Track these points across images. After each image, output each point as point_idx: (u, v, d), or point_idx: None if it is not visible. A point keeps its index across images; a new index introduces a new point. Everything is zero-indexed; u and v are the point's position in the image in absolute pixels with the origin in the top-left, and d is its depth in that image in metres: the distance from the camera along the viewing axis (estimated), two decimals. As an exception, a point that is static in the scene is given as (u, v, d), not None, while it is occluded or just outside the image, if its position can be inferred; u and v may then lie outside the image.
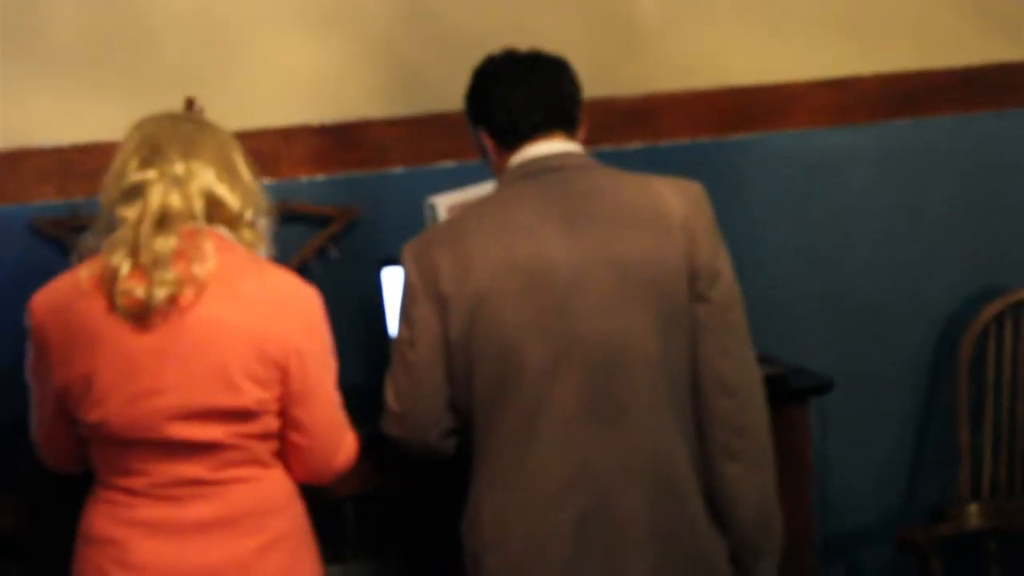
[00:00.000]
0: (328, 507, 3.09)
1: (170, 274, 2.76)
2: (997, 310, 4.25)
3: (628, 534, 2.99)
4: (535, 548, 2.98)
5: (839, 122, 4.30)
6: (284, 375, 2.85)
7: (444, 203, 3.63)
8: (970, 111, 4.38)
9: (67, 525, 2.93)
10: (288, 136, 3.83)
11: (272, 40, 3.85)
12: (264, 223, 2.95)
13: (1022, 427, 4.26)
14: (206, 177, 2.85)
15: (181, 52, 3.77)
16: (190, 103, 3.48)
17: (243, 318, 2.81)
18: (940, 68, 4.35)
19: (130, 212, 2.80)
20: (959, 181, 4.39)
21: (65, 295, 2.82)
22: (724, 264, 3.05)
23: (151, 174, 2.82)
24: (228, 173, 2.88)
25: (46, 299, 2.85)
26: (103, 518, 2.84)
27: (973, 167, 4.40)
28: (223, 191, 2.86)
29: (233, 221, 2.88)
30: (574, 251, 2.97)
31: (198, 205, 2.83)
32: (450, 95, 3.42)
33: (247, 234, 2.90)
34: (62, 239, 3.66)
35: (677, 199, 3.04)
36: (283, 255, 3.07)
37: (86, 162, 3.69)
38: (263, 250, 2.94)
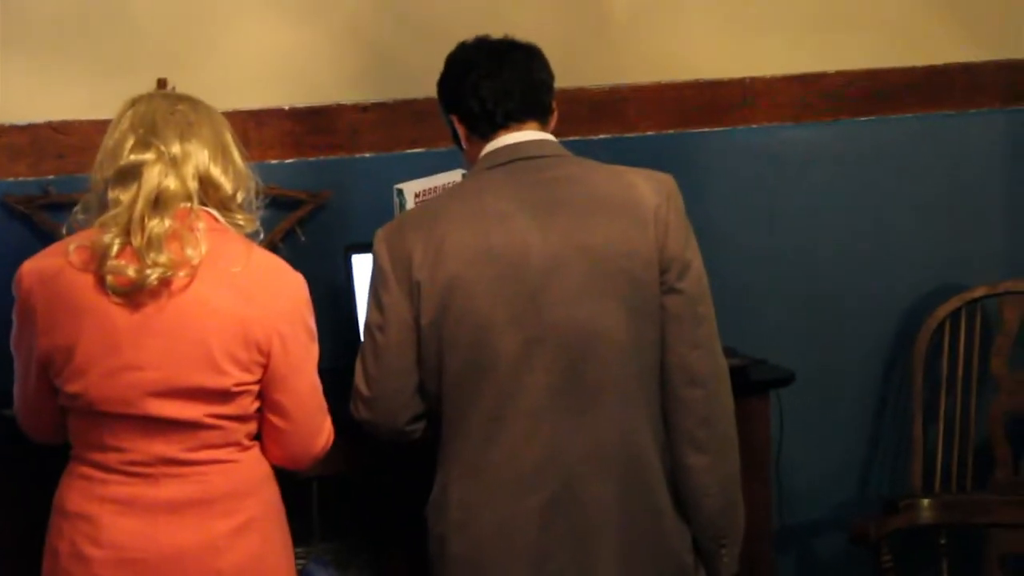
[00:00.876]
0: (294, 489, 3.10)
1: (163, 256, 2.78)
2: (953, 307, 4.30)
3: (595, 521, 3.02)
4: (502, 533, 3.01)
5: (803, 118, 4.34)
6: (266, 358, 2.87)
7: (412, 190, 3.66)
8: (932, 110, 4.43)
9: (41, 501, 2.94)
10: (259, 119, 3.84)
11: (246, 23, 3.86)
12: (256, 205, 2.97)
13: (974, 423, 4.32)
14: (201, 159, 2.86)
15: (155, 33, 3.77)
16: (162, 84, 3.48)
17: (229, 300, 2.83)
18: (904, 67, 4.40)
19: (125, 195, 2.81)
20: (920, 179, 4.44)
21: (55, 266, 2.83)
22: (694, 255, 3.08)
23: (148, 155, 2.83)
24: (222, 155, 2.90)
25: (35, 267, 2.86)
26: (76, 493, 2.85)
27: (934, 166, 4.45)
28: (217, 173, 2.88)
29: (226, 203, 2.90)
30: (547, 239, 3.00)
31: (193, 186, 2.84)
32: (421, 82, 3.45)
33: (239, 217, 2.92)
34: (33, 216, 3.66)
35: (649, 190, 3.07)
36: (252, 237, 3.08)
37: (59, 140, 3.70)
38: (255, 233, 2.96)
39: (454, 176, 3.67)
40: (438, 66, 3.19)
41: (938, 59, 4.43)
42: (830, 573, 4.47)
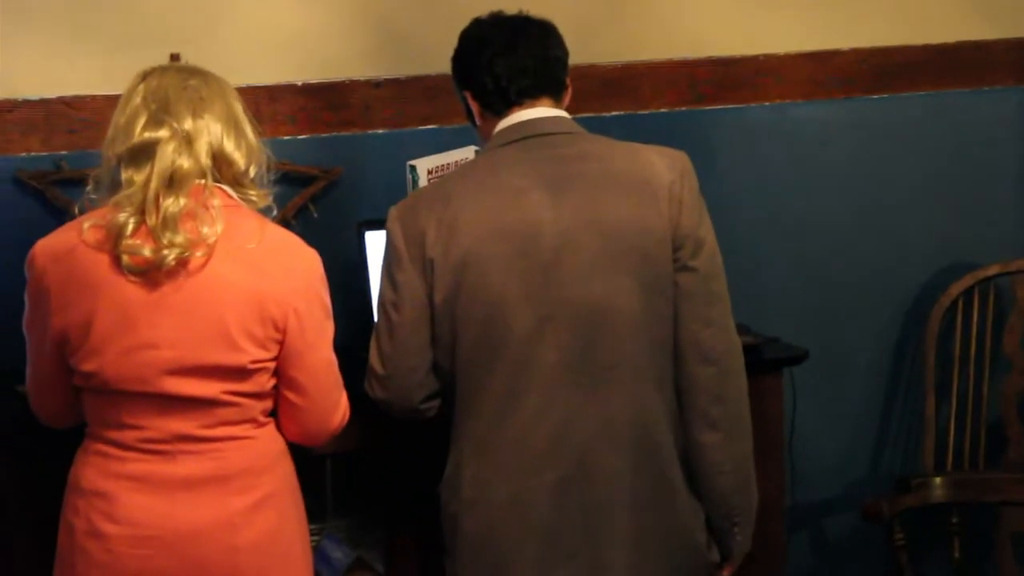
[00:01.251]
0: (308, 465, 3.10)
1: (179, 236, 2.76)
2: (966, 285, 4.30)
3: (607, 497, 3.02)
4: (515, 510, 3.01)
5: (816, 95, 4.33)
6: (282, 335, 2.86)
7: (425, 166, 3.65)
8: (945, 88, 4.42)
9: (55, 477, 2.94)
10: (272, 94, 3.83)
11: (259, -2, 3.87)
12: (267, 180, 2.95)
13: (987, 401, 4.32)
14: (214, 134, 2.84)
15: (168, 7, 3.76)
16: (175, 59, 3.47)
17: (245, 277, 2.82)
18: (916, 44, 4.39)
19: (139, 175, 2.79)
20: (932, 157, 4.44)
21: (68, 244, 2.82)
22: (708, 233, 3.07)
23: (162, 133, 2.81)
24: (235, 130, 2.88)
25: (49, 246, 2.85)
26: (93, 470, 2.85)
27: (947, 144, 4.45)
28: (230, 148, 2.86)
29: (239, 179, 2.89)
30: (561, 216, 2.99)
31: (207, 163, 2.83)
32: (435, 58, 3.44)
33: (253, 193, 2.91)
34: (45, 191, 3.65)
35: (664, 167, 3.06)
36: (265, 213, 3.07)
37: (71, 115, 3.68)
38: (267, 209, 2.94)
39: (467, 153, 3.66)
40: (452, 42, 3.19)
41: (950, 37, 4.42)
42: (842, 551, 4.48)
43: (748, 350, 3.26)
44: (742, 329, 3.29)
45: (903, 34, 4.38)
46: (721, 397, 3.08)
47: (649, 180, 3.05)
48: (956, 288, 4.30)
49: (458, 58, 3.18)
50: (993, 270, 4.32)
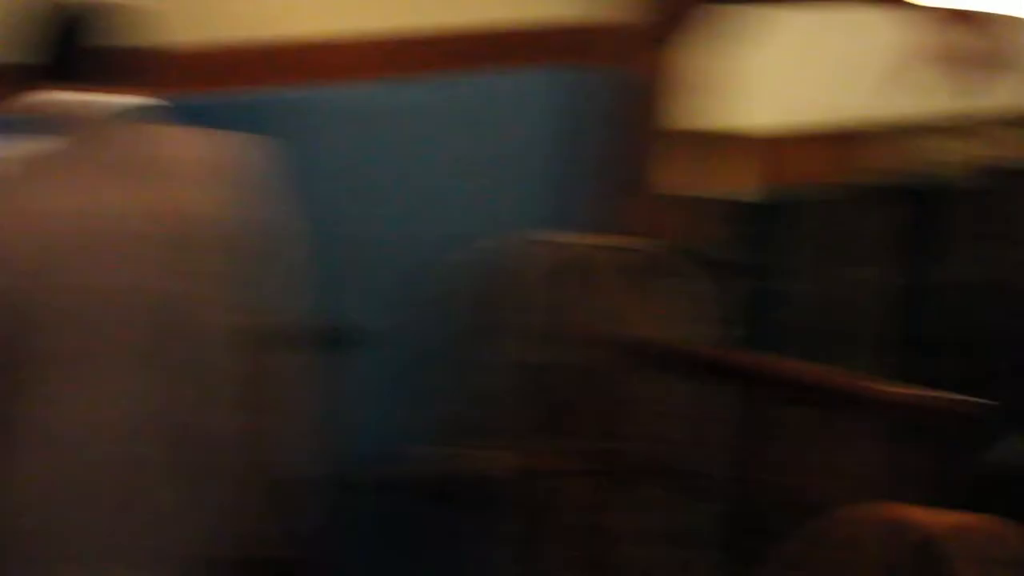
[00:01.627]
0: None
1: None
2: (501, 259, 4.49)
3: (140, 491, 3.03)
4: (53, 510, 3.00)
5: (385, 76, 4.44)
6: None
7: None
8: (482, 68, 4.60)
9: None
10: None
11: None
12: None
13: (520, 376, 4.50)
14: None
15: None
16: None
17: None
18: (453, 26, 4.53)
19: None
20: (472, 137, 4.61)
21: None
22: (262, 218, 3.10)
23: None
24: None
25: None
26: None
27: (485, 124, 4.63)
28: None
29: None
30: (117, 204, 2.99)
31: None
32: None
33: None
34: None
35: (221, 152, 3.10)
36: None
37: None
38: None
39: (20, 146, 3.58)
40: (9, 28, 3.15)
41: (509, 16, 4.60)
42: (388, 530, 4.56)
43: (302, 333, 3.30)
44: (297, 311, 3.30)
45: (435, 16, 4.50)
46: (265, 382, 3.13)
47: (206, 165, 3.09)
48: (491, 260, 4.47)
49: (21, 42, 3.12)
50: (513, 243, 4.50)
